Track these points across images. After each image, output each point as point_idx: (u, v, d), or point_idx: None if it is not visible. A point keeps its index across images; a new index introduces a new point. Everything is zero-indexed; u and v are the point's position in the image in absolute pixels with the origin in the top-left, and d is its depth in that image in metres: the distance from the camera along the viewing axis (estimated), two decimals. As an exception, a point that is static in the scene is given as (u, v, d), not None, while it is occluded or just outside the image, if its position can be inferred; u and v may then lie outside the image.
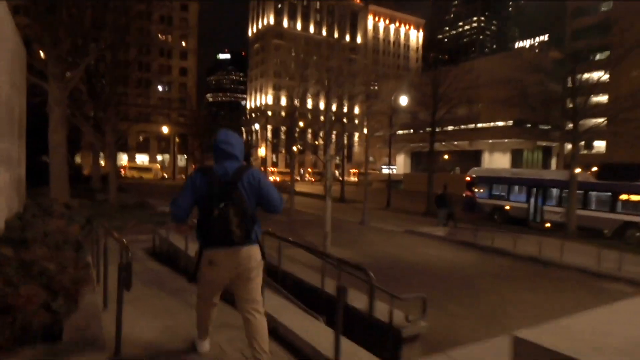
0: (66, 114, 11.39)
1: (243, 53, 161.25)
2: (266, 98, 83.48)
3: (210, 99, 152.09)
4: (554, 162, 55.84)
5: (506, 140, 52.67)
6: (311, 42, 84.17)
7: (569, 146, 54.99)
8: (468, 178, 24.65)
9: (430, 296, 4.92)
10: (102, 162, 29.87)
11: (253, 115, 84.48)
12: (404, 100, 23.94)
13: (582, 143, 52.40)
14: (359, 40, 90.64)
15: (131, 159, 63.53)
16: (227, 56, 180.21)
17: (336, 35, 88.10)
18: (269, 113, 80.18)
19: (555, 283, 8.81)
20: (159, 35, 65.96)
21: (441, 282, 8.38)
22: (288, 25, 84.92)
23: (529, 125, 54.32)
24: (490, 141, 52.39)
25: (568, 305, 7.18)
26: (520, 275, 9.25)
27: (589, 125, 19.93)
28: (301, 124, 54.15)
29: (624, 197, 17.55)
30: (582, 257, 10.64)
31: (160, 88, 60.39)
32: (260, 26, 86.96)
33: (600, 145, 48.72)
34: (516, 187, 22.09)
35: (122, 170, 54.07)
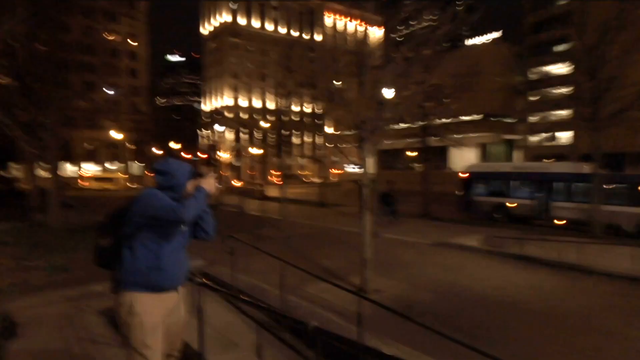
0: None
1: (195, 54, 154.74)
2: (222, 99, 79.16)
3: (163, 104, 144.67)
4: (516, 155, 56.03)
5: (474, 135, 52.03)
6: (269, 40, 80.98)
7: (532, 138, 55.45)
8: (464, 175, 22.59)
9: None
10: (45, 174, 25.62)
11: (210, 118, 79.95)
12: (389, 94, 21.50)
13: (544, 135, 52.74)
14: (317, 38, 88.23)
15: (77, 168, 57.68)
16: (179, 58, 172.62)
17: (295, 33, 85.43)
18: (229, 115, 76.13)
19: None
20: (104, 34, 60.87)
21: (564, 333, 5.76)
22: (247, 23, 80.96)
23: (495, 119, 54.23)
24: (459, 136, 51.51)
25: None
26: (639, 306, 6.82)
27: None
28: (264, 124, 51.01)
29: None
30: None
31: (111, 92, 55.04)
32: (214, 25, 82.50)
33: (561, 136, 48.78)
34: (520, 183, 20.23)
35: (79, 181, 48.58)
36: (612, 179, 16.95)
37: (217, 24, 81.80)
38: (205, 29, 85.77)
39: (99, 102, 47.15)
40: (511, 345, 5.25)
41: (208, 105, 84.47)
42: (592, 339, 5.61)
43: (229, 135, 74.85)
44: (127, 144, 55.11)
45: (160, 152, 54.79)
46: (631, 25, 14.25)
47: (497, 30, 70.79)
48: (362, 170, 8.04)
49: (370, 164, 8.19)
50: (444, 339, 3.44)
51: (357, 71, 7.90)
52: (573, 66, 23.51)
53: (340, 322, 4.82)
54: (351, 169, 66.73)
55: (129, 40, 64.89)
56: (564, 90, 28.90)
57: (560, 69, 44.11)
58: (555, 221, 18.07)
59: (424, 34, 7.90)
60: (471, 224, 18.77)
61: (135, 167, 59.82)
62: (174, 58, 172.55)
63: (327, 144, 41.55)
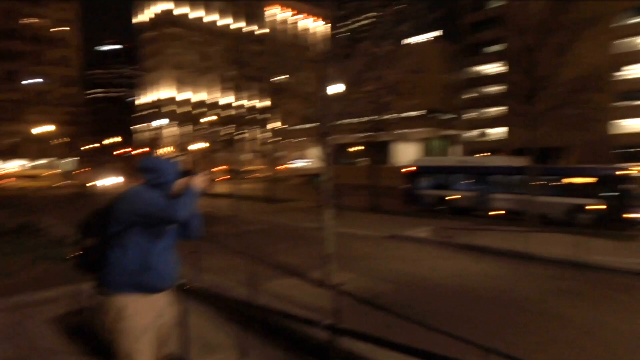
0: None
1: (132, 44, 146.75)
2: (165, 92, 75.85)
3: (98, 95, 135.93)
4: (454, 149, 58.97)
5: (416, 130, 53.92)
6: (213, 31, 78.51)
7: (469, 133, 58.44)
8: (411, 168, 23.39)
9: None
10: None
11: (150, 110, 76.34)
12: (338, 89, 21.62)
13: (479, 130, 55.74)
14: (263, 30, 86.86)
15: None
16: (114, 47, 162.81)
17: (241, 24, 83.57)
18: (170, 108, 73.19)
19: (638, 298, 7.10)
20: (28, 18, 55.98)
21: (517, 316, 6.15)
22: (190, 10, 77.80)
23: (435, 115, 56.63)
24: (403, 131, 53.11)
25: None
26: (585, 291, 7.41)
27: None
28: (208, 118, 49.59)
29: (573, 180, 17.50)
30: (603, 253, 9.38)
31: (36, 80, 50.61)
32: (152, 13, 78.54)
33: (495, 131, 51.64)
34: (462, 176, 21.26)
35: (5, 179, 44.16)
36: (544, 172, 18.27)
37: (155, 12, 77.96)
38: (143, 17, 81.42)
39: (25, 92, 43.35)
40: (470, 330, 5.51)
41: (148, 97, 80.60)
42: (542, 321, 6.05)
43: (171, 129, 72.01)
44: (57, 138, 51.17)
45: (96, 146, 51.54)
46: (563, 29, 15.41)
47: (436, 29, 73.70)
48: (321, 164, 8.05)
49: (330, 158, 8.21)
50: (412, 330, 3.50)
51: (319, 65, 7.87)
52: (509, 65, 25.08)
53: (315, 317, 4.80)
54: (298, 163, 66.78)
55: (58, 27, 60.15)
56: (499, 87, 30.73)
57: (496, 67, 46.62)
58: (495, 212, 19.24)
59: (383, 29, 8.03)
60: (417, 216, 19.47)
61: (66, 162, 55.78)
62: (109, 47, 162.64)
63: (274, 138, 41.21)
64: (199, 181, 2.41)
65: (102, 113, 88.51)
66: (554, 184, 17.89)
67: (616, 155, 35.94)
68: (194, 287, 3.63)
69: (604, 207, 16.03)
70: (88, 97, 75.92)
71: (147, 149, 52.80)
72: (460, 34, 56.67)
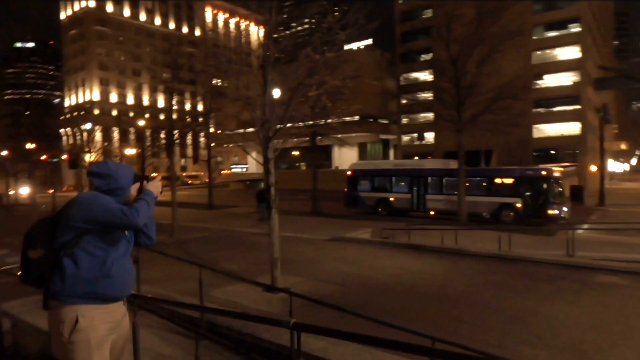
0: None
1: (51, 42, 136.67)
2: (91, 94, 71.22)
3: (13, 97, 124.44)
4: (391, 153, 61.16)
5: (355, 135, 55.24)
6: (143, 31, 75.16)
7: (404, 138, 60.72)
8: (349, 172, 23.93)
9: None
10: None
11: (74, 114, 71.23)
12: (276, 93, 21.61)
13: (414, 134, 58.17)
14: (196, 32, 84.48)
15: None
16: (30, 44, 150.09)
17: (172, 26, 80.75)
18: (96, 111, 68.95)
19: (557, 286, 7.78)
20: None
21: (454, 309, 6.53)
22: (114, 9, 73.70)
23: (372, 120, 58.36)
24: (342, 135, 54.09)
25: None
26: (512, 282, 8.04)
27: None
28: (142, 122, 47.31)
29: (500, 181, 18.84)
30: (526, 247, 10.25)
31: None
32: (77, 9, 73.53)
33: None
34: (399, 179, 22.09)
35: None
36: (474, 173, 19.52)
37: (78, 9, 73.04)
38: (69, 13, 75.88)
39: None
40: (414, 323, 5.77)
41: (72, 100, 75.20)
42: (476, 312, 6.49)
43: (98, 134, 67.74)
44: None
45: (5, 153, 47.08)
46: (483, 42, 16.70)
47: (370, 38, 76.06)
48: (259, 170, 8.03)
49: (272, 163, 8.20)
50: (362, 325, 3.64)
51: (260, 70, 7.86)
52: (437, 74, 26.58)
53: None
54: (237, 169, 65.69)
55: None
56: (431, 95, 32.49)
57: (427, 75, 48.96)
58: (429, 212, 20.23)
59: (321, 37, 8.20)
60: (358, 218, 19.96)
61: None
62: (28, 45, 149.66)
63: (212, 143, 40.26)
64: (154, 186, 2.36)
65: (21, 116, 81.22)
66: (483, 184, 19.15)
67: (536, 157, 39.29)
68: (139, 299, 3.50)
69: (528, 204, 17.44)
70: (2, 98, 69.29)
71: (68, 155, 49.09)
72: (393, 43, 58.87)
